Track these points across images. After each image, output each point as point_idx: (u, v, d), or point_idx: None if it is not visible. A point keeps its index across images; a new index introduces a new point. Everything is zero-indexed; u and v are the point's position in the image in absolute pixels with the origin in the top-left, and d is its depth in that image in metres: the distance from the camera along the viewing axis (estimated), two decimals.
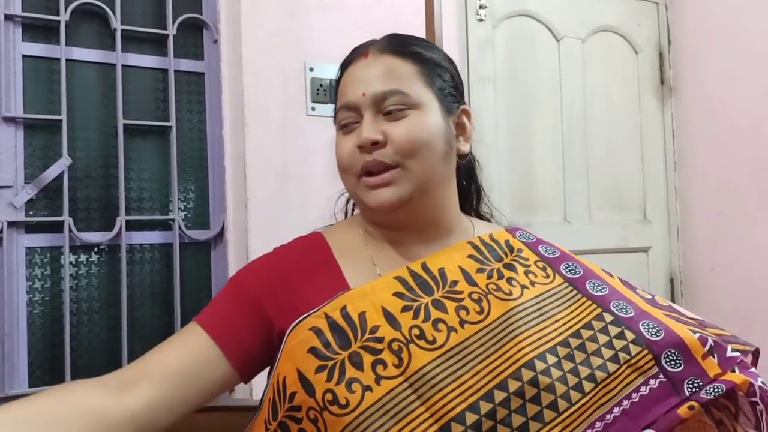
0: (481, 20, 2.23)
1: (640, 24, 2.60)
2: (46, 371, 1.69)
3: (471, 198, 1.10)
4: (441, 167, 0.91)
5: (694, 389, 0.80)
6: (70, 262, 1.72)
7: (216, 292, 1.86)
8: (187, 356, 0.84)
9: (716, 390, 0.79)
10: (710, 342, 0.84)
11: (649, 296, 0.94)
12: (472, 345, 0.80)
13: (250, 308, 0.88)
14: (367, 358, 0.78)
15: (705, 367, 0.82)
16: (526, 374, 0.77)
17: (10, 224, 1.65)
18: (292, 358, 0.81)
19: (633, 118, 2.57)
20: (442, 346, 0.80)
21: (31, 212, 1.69)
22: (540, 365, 0.79)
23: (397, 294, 0.85)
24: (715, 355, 0.83)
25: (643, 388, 0.80)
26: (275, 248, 0.97)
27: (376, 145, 0.87)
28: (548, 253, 0.97)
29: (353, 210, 1.09)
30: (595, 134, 2.47)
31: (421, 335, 0.80)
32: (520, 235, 1.00)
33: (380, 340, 0.80)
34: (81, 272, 1.75)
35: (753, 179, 2.35)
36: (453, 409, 0.75)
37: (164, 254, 1.85)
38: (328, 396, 0.76)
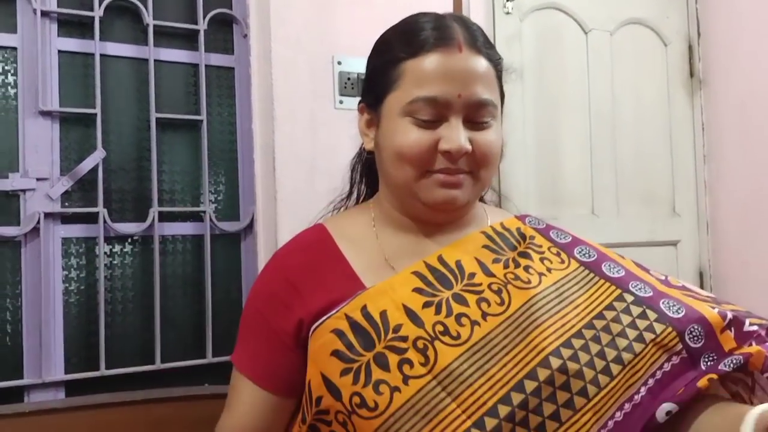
0: (508, 13, 2.23)
1: (669, 16, 2.57)
2: (82, 359, 1.73)
3: None
4: (493, 175, 0.92)
5: (709, 363, 0.80)
6: (105, 253, 1.76)
7: (246, 283, 1.91)
8: (257, 418, 0.89)
9: (734, 362, 0.80)
10: (729, 316, 0.84)
11: (663, 277, 0.94)
12: (496, 338, 0.80)
13: (278, 340, 0.87)
14: (393, 358, 0.78)
15: (721, 341, 0.83)
16: (555, 362, 0.77)
17: (47, 215, 1.69)
18: (316, 362, 0.81)
19: (662, 111, 2.54)
20: (467, 341, 0.79)
21: (66, 203, 1.74)
22: (567, 352, 0.79)
23: (417, 290, 0.84)
24: (732, 328, 0.84)
25: (666, 365, 0.81)
26: (277, 251, 0.96)
27: (464, 154, 0.85)
28: (560, 239, 0.97)
29: (360, 189, 1.08)
30: (624, 128, 2.45)
31: (445, 331, 0.80)
32: (530, 221, 1.00)
33: (405, 339, 0.79)
34: (115, 262, 1.79)
35: None
36: (485, 403, 0.75)
37: (196, 245, 1.88)
38: (356, 399, 0.76)
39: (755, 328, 0.85)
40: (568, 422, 0.75)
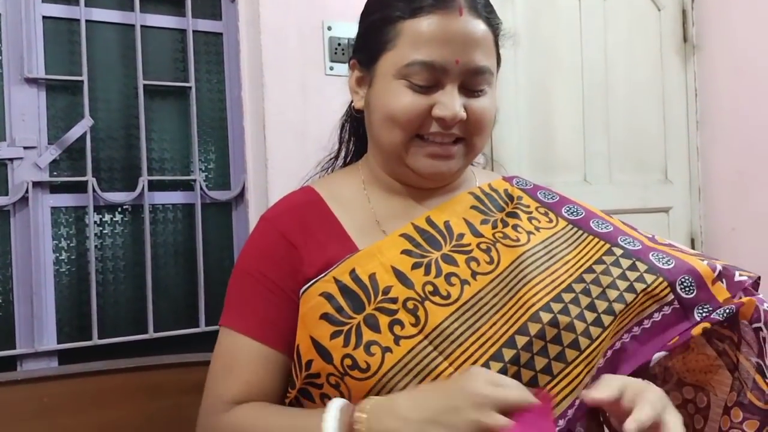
0: None
1: None
2: (74, 328, 1.73)
3: None
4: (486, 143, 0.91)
5: (704, 314, 0.81)
6: (95, 222, 1.75)
7: (237, 251, 1.89)
8: (268, 378, 0.84)
9: (727, 312, 0.80)
10: (719, 268, 0.86)
11: (650, 235, 0.95)
12: (486, 296, 0.80)
13: (284, 297, 0.85)
14: (383, 320, 0.78)
15: (714, 292, 0.84)
16: (545, 316, 0.78)
17: (35, 184, 1.67)
18: (305, 325, 0.80)
19: (655, 77, 2.53)
20: (456, 300, 0.79)
21: (55, 173, 1.72)
22: (557, 306, 0.79)
23: (406, 251, 0.83)
24: (724, 280, 0.85)
25: (656, 315, 0.82)
26: (265, 214, 0.93)
27: (459, 121, 0.83)
28: (547, 198, 0.97)
29: (349, 149, 1.05)
30: (616, 93, 2.44)
31: (435, 291, 0.80)
32: (517, 182, 1.00)
33: (394, 300, 0.79)
34: (105, 231, 1.78)
35: None
36: (476, 361, 0.76)
37: (186, 214, 1.87)
38: (347, 361, 0.76)
39: (745, 278, 0.86)
40: (560, 374, 0.76)
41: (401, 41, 0.84)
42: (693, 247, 2.56)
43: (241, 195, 1.91)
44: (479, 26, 0.84)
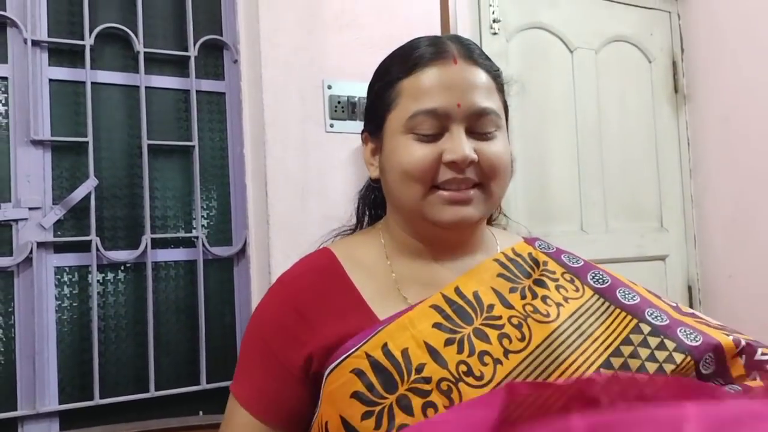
0: (495, 34, 2.26)
1: (653, 33, 2.61)
2: (76, 388, 1.73)
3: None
4: (506, 190, 0.89)
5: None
6: (98, 281, 1.76)
7: (239, 308, 1.90)
8: None
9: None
10: (743, 343, 0.84)
11: (674, 304, 0.93)
12: (518, 377, 0.78)
13: (286, 373, 0.84)
14: (416, 402, 0.75)
15: (730, 367, 0.82)
16: None
17: (40, 245, 1.69)
18: (334, 403, 0.78)
19: (647, 127, 2.58)
20: (490, 381, 0.77)
21: (59, 232, 1.73)
22: None
23: (437, 325, 0.81)
24: (744, 356, 0.83)
25: None
26: (282, 277, 0.92)
27: (470, 164, 0.82)
28: (572, 263, 0.95)
29: (365, 216, 1.04)
30: (610, 143, 2.49)
31: (469, 372, 0.77)
32: (540, 245, 0.98)
33: (428, 380, 0.76)
34: (108, 290, 1.79)
35: None
36: None
37: (188, 271, 1.88)
38: None
39: (767, 357, 0.84)
40: None
41: (403, 98, 0.85)
42: (690, 295, 2.58)
43: (243, 251, 1.92)
44: (477, 72, 0.85)
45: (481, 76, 0.85)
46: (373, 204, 1.05)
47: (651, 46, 2.60)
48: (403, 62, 0.87)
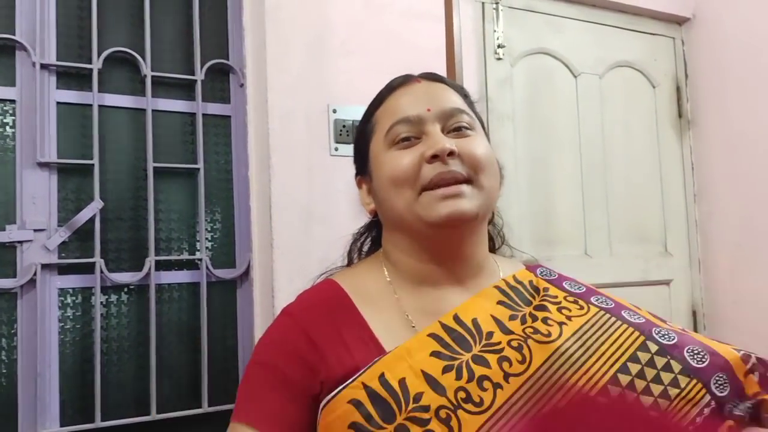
0: (499, 59, 2.27)
1: (657, 59, 2.62)
2: (77, 410, 1.72)
3: (494, 237, 1.06)
4: (498, 191, 0.91)
5: (732, 409, 0.79)
6: (101, 302, 1.76)
7: (241, 330, 1.90)
8: None
9: (748, 406, 0.79)
10: (753, 359, 0.83)
11: (680, 328, 0.91)
12: (519, 401, 0.77)
13: (296, 391, 0.82)
14: (416, 430, 0.74)
15: (745, 385, 0.81)
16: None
17: (44, 266, 1.69)
18: None
19: (652, 152, 2.59)
20: (489, 407, 0.76)
21: (63, 254, 1.74)
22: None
23: (435, 353, 0.80)
24: (757, 373, 0.83)
25: (698, 419, 0.78)
26: (286, 307, 0.90)
27: (451, 155, 0.84)
28: (574, 289, 0.94)
29: (360, 252, 1.03)
30: (615, 168, 2.49)
31: (468, 398, 0.77)
32: (542, 272, 0.98)
33: (426, 409, 0.75)
34: (111, 312, 1.79)
35: None
36: None
37: (192, 293, 1.88)
38: None
39: None
40: None
41: (379, 123, 0.92)
42: (695, 320, 2.57)
43: (246, 273, 1.92)
44: (442, 87, 0.93)
45: (447, 90, 0.93)
46: (367, 241, 1.04)
47: (655, 72, 2.61)
48: (375, 99, 0.95)
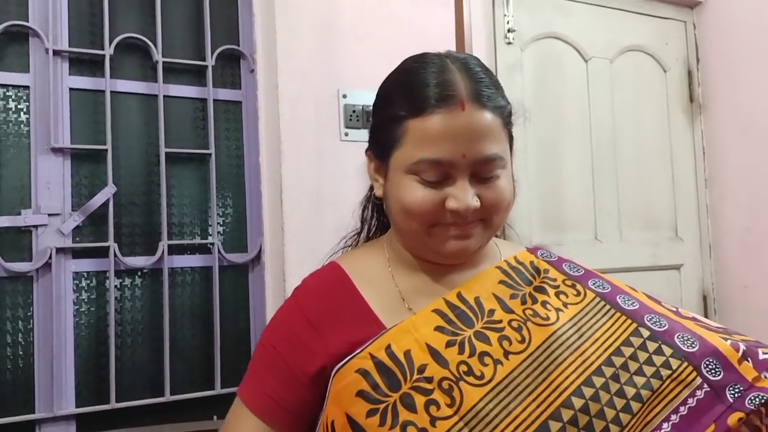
0: (509, 43, 2.27)
1: (668, 43, 2.61)
2: (92, 392, 1.75)
3: None
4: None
5: (736, 395, 0.81)
6: (115, 286, 1.79)
7: (254, 314, 1.92)
8: None
9: (761, 398, 0.80)
10: (742, 347, 0.86)
11: (674, 309, 0.95)
12: (519, 377, 0.81)
13: (295, 380, 0.87)
14: (419, 399, 0.78)
15: (743, 372, 0.83)
16: (577, 402, 0.79)
17: (59, 250, 1.72)
18: (340, 402, 0.81)
19: (663, 136, 2.58)
20: (490, 380, 0.80)
21: (77, 238, 1.76)
22: (588, 391, 0.80)
23: (439, 328, 0.84)
24: (750, 359, 0.85)
25: (690, 401, 0.81)
26: (295, 290, 0.95)
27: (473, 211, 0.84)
28: (573, 272, 0.97)
29: (371, 225, 1.06)
30: (625, 153, 2.49)
31: (469, 371, 0.80)
32: (542, 254, 1.00)
33: (430, 379, 0.79)
34: (125, 295, 1.82)
35: None
36: None
37: (204, 277, 1.91)
38: None
39: None
40: None
41: (407, 140, 0.85)
42: (705, 305, 2.57)
43: (258, 257, 1.94)
44: (484, 116, 0.84)
45: (488, 120, 0.84)
46: (378, 216, 1.06)
47: (666, 56, 2.60)
48: (409, 98, 0.85)
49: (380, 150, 0.91)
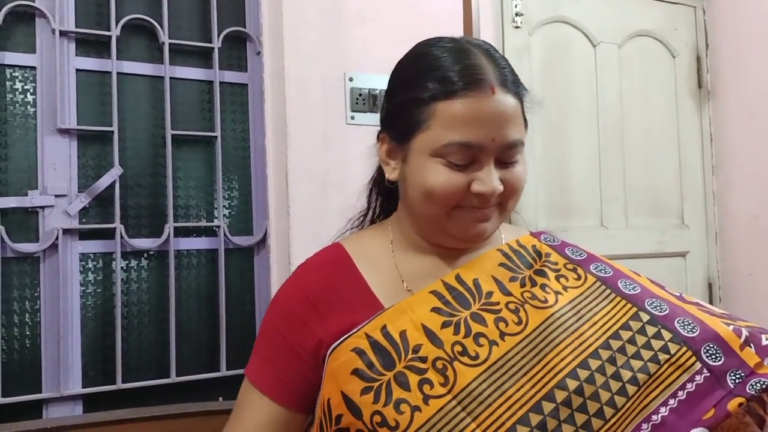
0: (517, 27, 2.26)
1: (677, 28, 2.59)
2: (99, 372, 1.76)
3: None
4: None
5: (737, 381, 0.81)
6: (121, 268, 1.79)
7: (259, 297, 1.93)
8: (262, 428, 0.89)
9: (762, 384, 0.80)
10: (745, 333, 0.85)
11: (677, 294, 0.95)
12: (514, 357, 0.81)
13: (296, 356, 0.89)
14: (413, 378, 0.79)
15: (744, 358, 0.83)
16: (571, 384, 0.79)
17: (65, 231, 1.72)
18: (336, 380, 0.82)
19: (670, 122, 2.56)
20: (485, 361, 0.81)
21: (84, 220, 1.77)
22: (583, 373, 0.80)
23: (435, 309, 0.85)
24: (752, 345, 0.85)
25: (689, 385, 0.81)
26: (297, 269, 0.96)
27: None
28: (575, 255, 0.98)
29: (376, 208, 1.07)
30: (632, 139, 2.47)
31: (464, 351, 0.81)
32: (545, 238, 1.01)
33: (424, 359, 0.80)
34: (131, 277, 1.82)
35: None
36: (503, 423, 0.76)
37: (210, 259, 1.91)
38: (377, 418, 0.77)
39: None
40: None
41: (435, 122, 0.84)
42: (711, 293, 2.57)
43: (263, 240, 1.95)
44: (510, 101, 0.85)
45: (513, 105, 0.85)
46: (384, 196, 1.06)
47: (675, 41, 2.58)
48: (436, 81, 0.85)
49: (399, 133, 0.90)
